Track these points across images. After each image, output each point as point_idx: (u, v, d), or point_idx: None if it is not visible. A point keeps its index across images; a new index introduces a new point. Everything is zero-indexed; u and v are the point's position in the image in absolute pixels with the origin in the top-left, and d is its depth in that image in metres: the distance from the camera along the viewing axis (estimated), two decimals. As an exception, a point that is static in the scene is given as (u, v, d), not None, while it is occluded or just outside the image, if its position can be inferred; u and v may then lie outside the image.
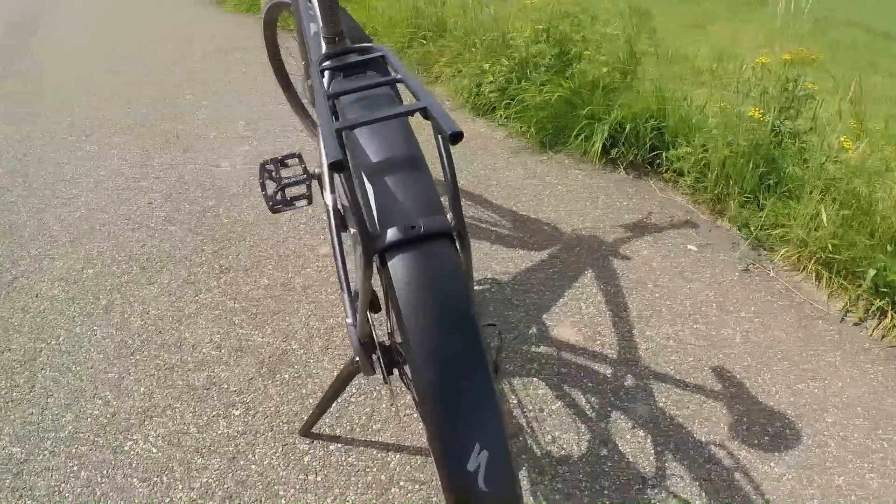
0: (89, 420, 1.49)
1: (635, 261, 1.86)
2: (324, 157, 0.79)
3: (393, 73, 0.84)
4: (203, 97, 3.37)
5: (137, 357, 1.65)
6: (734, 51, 3.39)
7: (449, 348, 0.62)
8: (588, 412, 1.39)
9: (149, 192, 2.43)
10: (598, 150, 2.34)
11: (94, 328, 1.76)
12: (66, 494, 1.33)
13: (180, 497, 1.30)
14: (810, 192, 1.79)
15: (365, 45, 1.01)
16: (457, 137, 0.63)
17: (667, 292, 1.73)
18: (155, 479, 1.34)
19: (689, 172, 2.09)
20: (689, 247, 1.90)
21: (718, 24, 4.40)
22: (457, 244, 0.68)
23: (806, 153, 1.93)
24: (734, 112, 2.03)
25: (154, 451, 1.40)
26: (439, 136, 0.68)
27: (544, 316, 1.69)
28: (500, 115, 2.78)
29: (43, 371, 1.64)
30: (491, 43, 3.02)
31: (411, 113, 0.72)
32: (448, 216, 0.66)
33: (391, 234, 0.64)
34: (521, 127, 2.64)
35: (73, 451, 1.42)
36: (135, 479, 1.34)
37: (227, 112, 3.14)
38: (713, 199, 2.04)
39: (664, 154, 2.21)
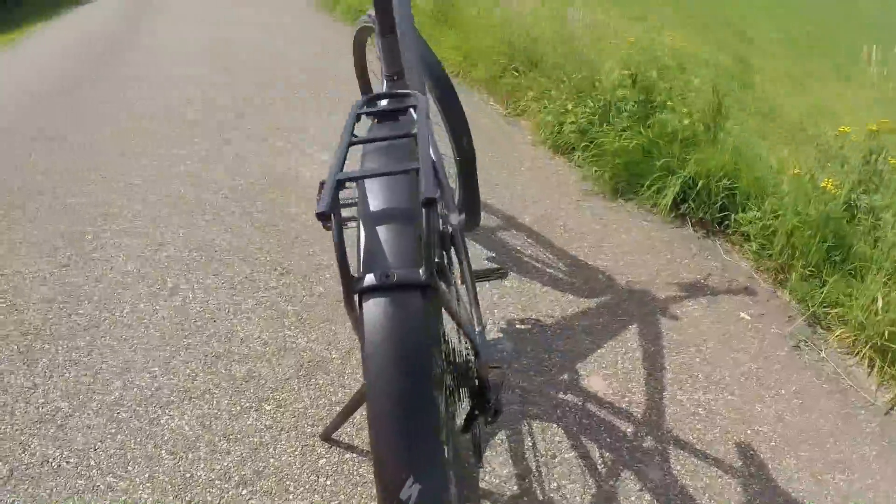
0: (135, 390, 1.67)
1: (683, 321, 1.86)
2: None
3: (415, 127, 0.91)
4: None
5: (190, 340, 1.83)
6: (828, 111, 3.28)
7: (397, 388, 0.69)
8: (599, 466, 1.41)
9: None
10: (668, 204, 2.34)
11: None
12: (100, 452, 1.49)
13: (200, 475, 1.43)
14: (876, 273, 1.73)
15: (403, 91, 1.10)
16: (429, 203, 0.69)
17: (708, 358, 1.72)
18: (181, 454, 1.48)
19: (754, 238, 2.07)
20: (742, 314, 1.87)
21: (819, 82, 4.25)
22: (430, 295, 0.74)
23: (879, 231, 1.87)
24: (808, 180, 1.99)
25: (186, 429, 1.55)
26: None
27: (579, 364, 1.71)
28: (578, 157, 2.82)
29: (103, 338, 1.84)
30: (580, 82, 3.07)
31: (405, 172, 0.79)
32: (421, 270, 0.72)
33: (368, 279, 0.71)
34: (596, 171, 2.66)
35: (115, 415, 1.59)
36: (163, 451, 1.49)
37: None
38: (776, 268, 2.00)
39: (733, 215, 2.18)
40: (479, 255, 2.23)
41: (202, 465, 1.45)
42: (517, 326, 1.89)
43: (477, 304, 1.25)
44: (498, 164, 2.88)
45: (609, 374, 1.68)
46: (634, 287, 2.02)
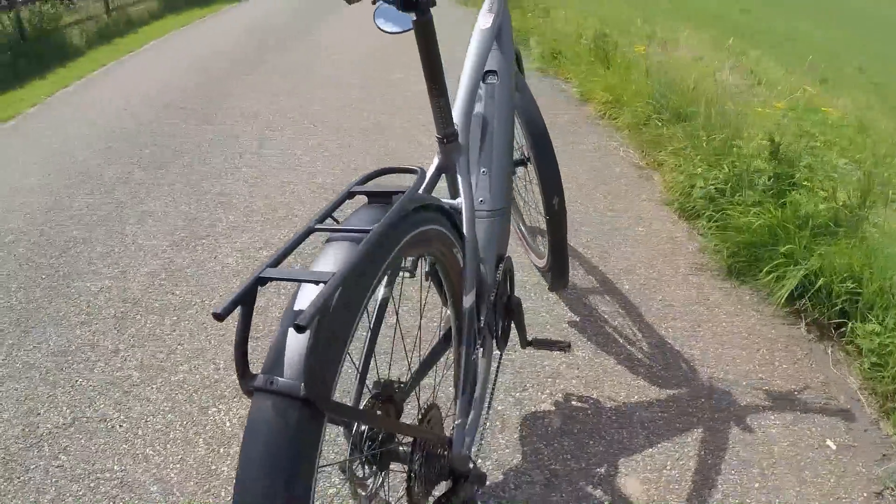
0: (197, 377, 1.87)
1: (757, 436, 1.69)
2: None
3: (381, 224, 0.87)
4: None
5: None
6: None
7: (248, 490, 0.70)
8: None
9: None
10: (784, 297, 2.14)
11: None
12: (150, 425, 1.76)
13: (223, 470, 1.59)
14: None
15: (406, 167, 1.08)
16: (300, 329, 0.68)
17: (770, 485, 1.55)
18: (217, 447, 1.65)
19: (869, 354, 1.84)
20: (829, 442, 1.67)
21: None
22: (313, 411, 0.72)
23: None
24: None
25: (227, 426, 1.71)
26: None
27: (622, 459, 1.62)
28: (703, 226, 2.66)
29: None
30: (719, 143, 2.90)
31: (314, 283, 0.76)
32: (302, 385, 0.71)
33: (256, 380, 0.72)
34: (715, 244, 2.50)
35: (174, 396, 1.82)
36: (200, 440, 1.68)
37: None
38: (887, 394, 1.77)
39: (850, 324, 1.96)
40: (561, 316, 2.18)
41: (229, 462, 1.55)
42: (572, 403, 1.82)
43: (469, 391, 1.22)
44: (614, 219, 2.79)
45: (651, 478, 1.57)
46: (717, 385, 1.87)
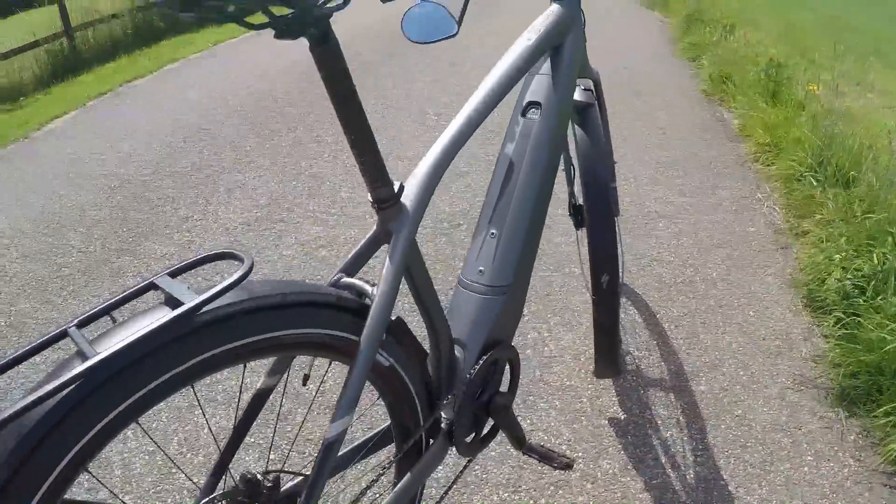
0: None
1: None
2: None
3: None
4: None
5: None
6: None
7: None
8: None
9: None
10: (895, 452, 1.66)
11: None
12: None
13: None
14: None
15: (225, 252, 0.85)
16: None
17: None
18: None
19: None
20: None
21: None
22: None
23: None
24: None
25: None
26: None
27: None
28: (828, 326, 2.17)
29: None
30: (876, 226, 2.37)
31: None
32: None
33: None
34: (835, 356, 2.02)
35: None
36: None
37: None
38: None
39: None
40: (603, 408, 1.84)
41: None
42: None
43: None
44: (724, 293, 2.36)
45: None
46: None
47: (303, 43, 0.83)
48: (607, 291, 1.59)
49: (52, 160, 3.95)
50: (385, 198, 0.97)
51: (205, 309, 0.74)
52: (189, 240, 2.87)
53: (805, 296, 2.35)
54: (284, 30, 0.78)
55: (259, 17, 0.78)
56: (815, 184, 2.89)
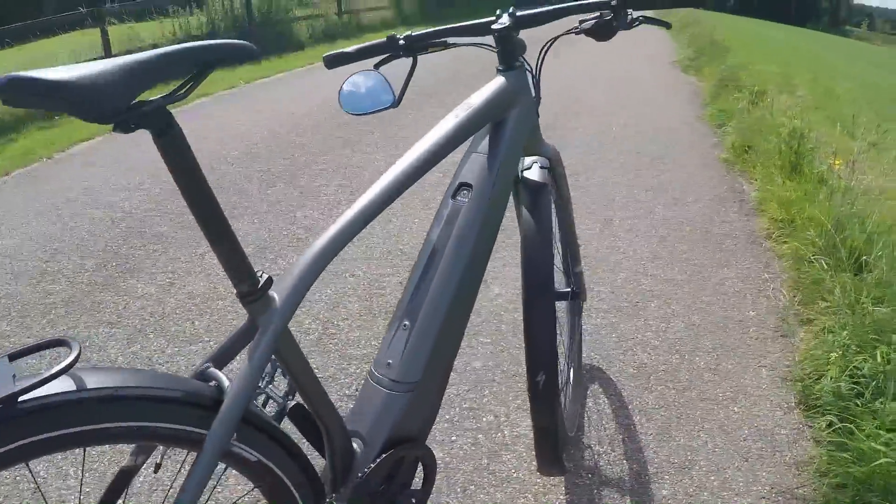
0: None
1: None
2: None
3: None
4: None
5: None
6: None
7: None
8: None
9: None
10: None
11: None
12: None
13: None
14: None
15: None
16: None
17: None
18: None
19: None
20: None
21: None
22: None
23: None
24: None
25: None
26: None
27: None
28: (819, 428, 1.96)
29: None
30: (885, 319, 2.17)
31: None
32: None
33: None
34: (822, 465, 1.81)
35: None
36: None
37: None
38: None
39: None
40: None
41: None
42: None
43: None
44: (708, 385, 2.17)
45: None
46: None
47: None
48: (544, 392, 1.43)
49: (67, 184, 4.08)
50: (247, 292, 0.91)
51: (32, 395, 0.74)
52: (170, 282, 2.83)
53: (799, 392, 2.15)
54: (122, 122, 0.75)
55: None
56: (825, 267, 2.69)
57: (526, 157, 1.52)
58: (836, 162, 3.47)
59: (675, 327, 2.49)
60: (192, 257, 3.05)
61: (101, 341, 2.38)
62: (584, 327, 2.31)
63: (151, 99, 0.76)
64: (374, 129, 5.03)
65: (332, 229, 1.03)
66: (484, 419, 2.00)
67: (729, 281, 2.86)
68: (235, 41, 0.84)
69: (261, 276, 0.91)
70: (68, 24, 7.74)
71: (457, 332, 1.24)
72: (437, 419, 1.94)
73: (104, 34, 7.61)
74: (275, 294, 0.93)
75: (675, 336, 2.43)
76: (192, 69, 0.80)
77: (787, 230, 3.21)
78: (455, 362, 2.15)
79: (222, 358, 0.98)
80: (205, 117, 5.65)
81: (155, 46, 6.01)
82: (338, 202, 3.70)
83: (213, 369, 0.95)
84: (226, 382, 0.91)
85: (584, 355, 2.22)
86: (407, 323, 1.18)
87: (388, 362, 1.18)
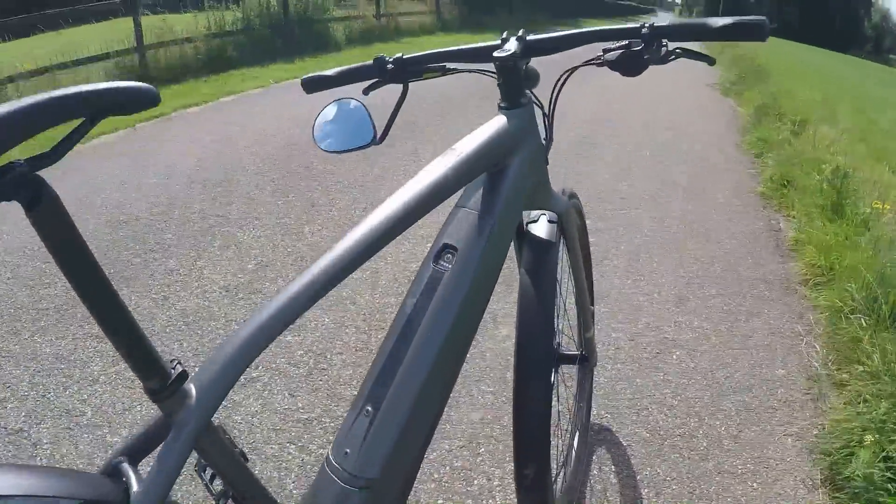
0: None
1: None
2: None
3: None
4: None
5: None
6: None
7: None
8: None
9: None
10: None
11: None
12: None
13: None
14: None
15: None
16: None
17: None
18: None
19: None
20: None
21: None
22: None
23: None
24: None
25: None
26: None
27: None
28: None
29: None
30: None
31: None
32: None
33: None
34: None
35: None
36: None
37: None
38: None
39: None
40: None
41: None
42: None
43: None
44: (729, 457, 1.98)
45: None
46: None
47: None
48: (534, 485, 1.26)
49: (82, 182, 4.05)
50: (156, 388, 0.74)
51: None
52: (164, 296, 2.74)
53: (826, 468, 1.96)
54: None
55: None
56: (864, 325, 2.49)
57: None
58: (885, 207, 3.25)
59: (696, 385, 2.30)
60: (190, 270, 2.97)
61: (87, 356, 2.31)
62: (596, 379, 2.15)
63: (14, 162, 0.61)
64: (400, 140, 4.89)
65: (266, 309, 0.83)
66: (476, 482, 1.84)
67: (759, 333, 2.66)
68: (131, 83, 0.68)
69: (174, 369, 0.75)
70: (101, 13, 7.74)
71: (427, 424, 1.03)
72: (423, 478, 1.80)
73: (137, 25, 7.58)
74: (192, 387, 0.76)
75: (695, 395, 2.25)
76: (74, 119, 0.63)
77: (824, 278, 3.00)
78: (452, 413, 2.05)
79: (137, 451, 0.81)
80: (227, 123, 5.61)
81: (188, 41, 5.99)
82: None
83: (125, 465, 0.79)
84: (134, 486, 0.75)
85: (593, 412, 2.05)
86: (369, 408, 0.97)
87: (346, 451, 0.99)
